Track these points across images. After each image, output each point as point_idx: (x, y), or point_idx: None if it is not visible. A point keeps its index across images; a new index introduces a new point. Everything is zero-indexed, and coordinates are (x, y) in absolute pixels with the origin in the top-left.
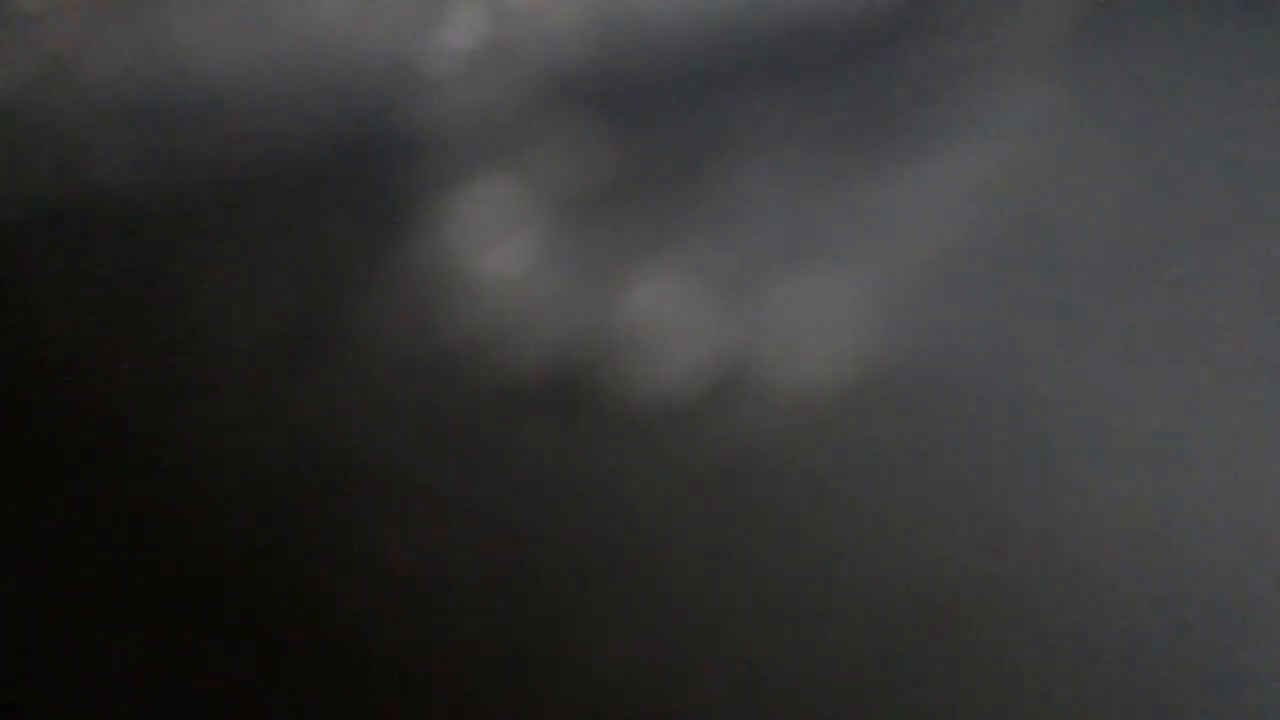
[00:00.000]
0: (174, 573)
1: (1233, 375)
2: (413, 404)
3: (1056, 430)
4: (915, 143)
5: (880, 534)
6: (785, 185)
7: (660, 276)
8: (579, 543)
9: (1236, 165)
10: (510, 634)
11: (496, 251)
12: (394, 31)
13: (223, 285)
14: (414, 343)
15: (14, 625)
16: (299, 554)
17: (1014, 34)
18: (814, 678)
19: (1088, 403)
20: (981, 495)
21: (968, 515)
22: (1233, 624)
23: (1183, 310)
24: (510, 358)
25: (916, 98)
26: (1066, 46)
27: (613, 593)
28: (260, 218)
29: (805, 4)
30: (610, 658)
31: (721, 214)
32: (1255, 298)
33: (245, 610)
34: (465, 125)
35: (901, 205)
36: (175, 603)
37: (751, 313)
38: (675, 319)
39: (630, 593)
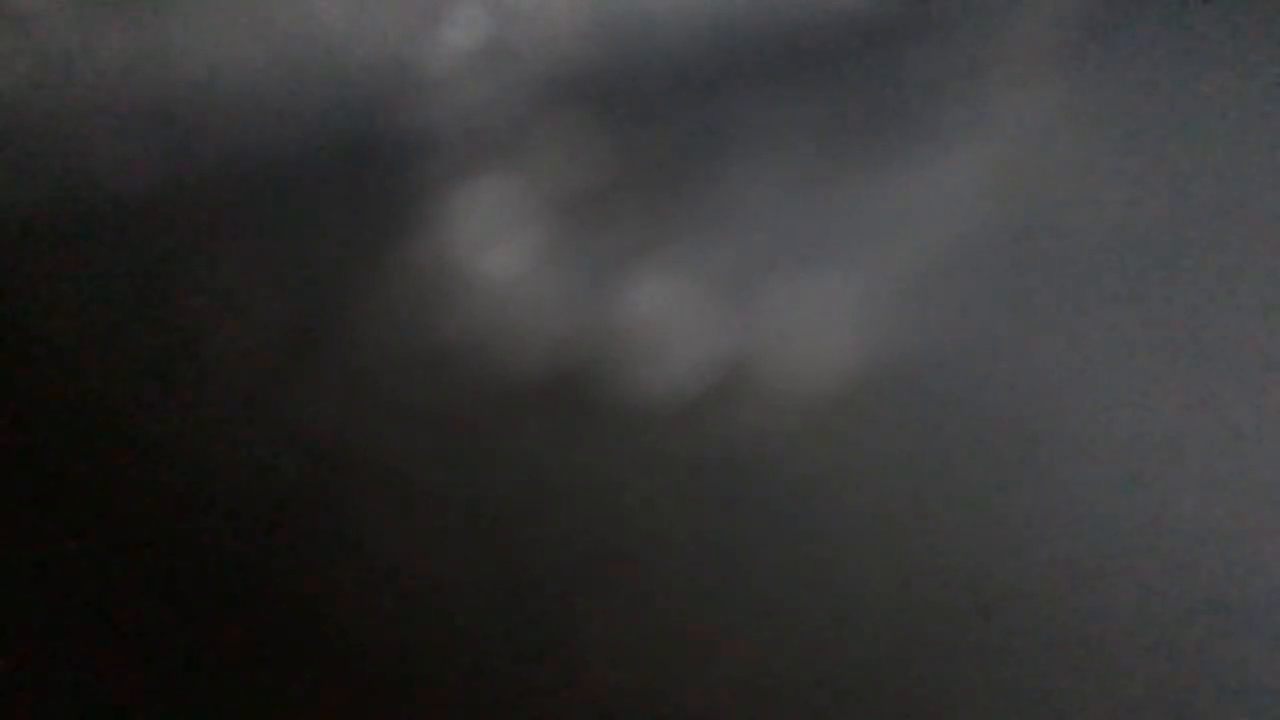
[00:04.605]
0: (173, 572)
1: (1233, 375)
2: (413, 404)
3: (1056, 430)
4: (915, 143)
5: (879, 534)
6: (785, 185)
7: (660, 276)
8: (578, 542)
9: (1236, 166)
10: (510, 634)
11: (496, 251)
12: (394, 31)
13: (223, 285)
14: (414, 343)
15: (14, 624)
16: (298, 553)
17: (1014, 34)
18: (813, 678)
19: (1087, 403)
20: (981, 495)
21: (967, 515)
22: (1233, 624)
23: (1182, 310)
24: (510, 358)
25: (917, 98)
26: (1067, 46)
27: (612, 592)
28: (260, 217)
29: (806, 4)
30: (609, 657)
31: (721, 214)
32: (1255, 298)
33: (244, 609)
34: (465, 125)
35: (901, 205)
36: (175, 602)
37: (751, 313)
38: (675, 319)
39: (629, 592)
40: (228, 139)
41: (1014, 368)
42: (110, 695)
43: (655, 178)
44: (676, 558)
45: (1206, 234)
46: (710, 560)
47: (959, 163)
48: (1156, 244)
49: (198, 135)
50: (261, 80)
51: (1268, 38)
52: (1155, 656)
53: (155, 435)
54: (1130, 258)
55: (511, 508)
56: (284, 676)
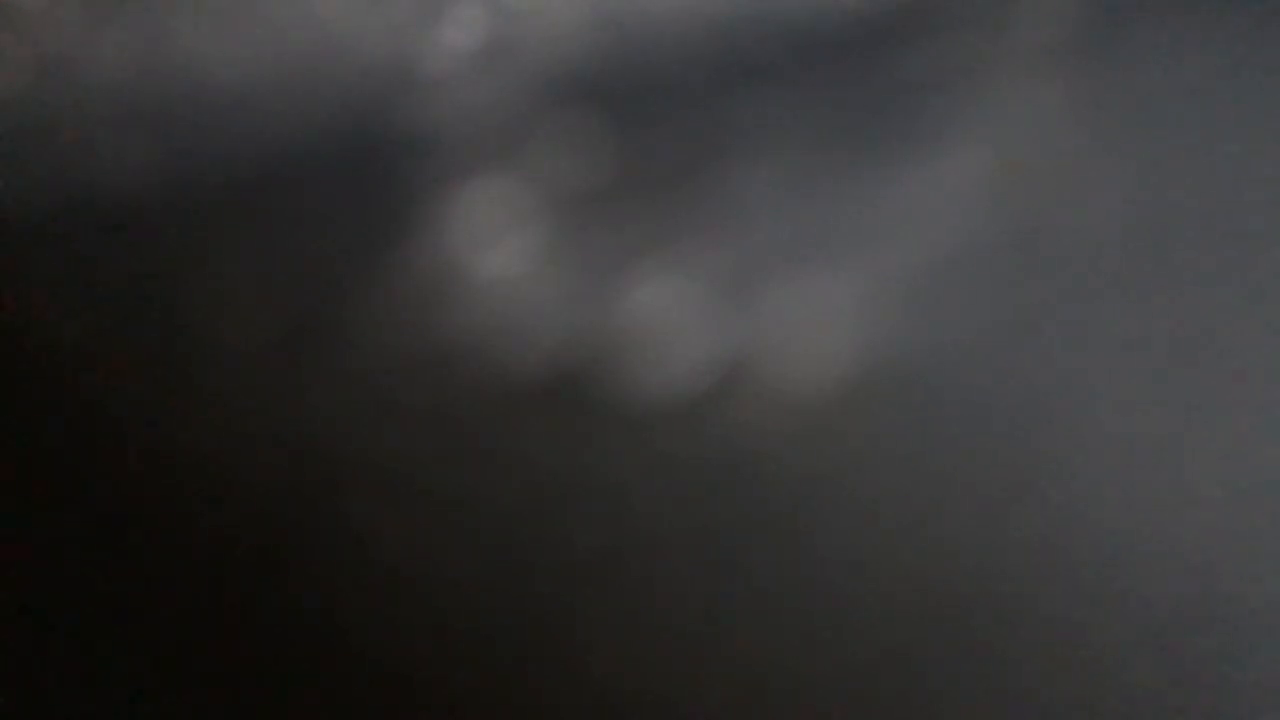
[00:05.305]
0: (174, 572)
1: (1232, 376)
2: (413, 404)
3: (1055, 430)
4: (915, 143)
5: (879, 533)
6: (785, 185)
7: (660, 276)
8: (578, 542)
9: (1236, 166)
10: (510, 634)
11: (496, 251)
12: (394, 31)
13: (223, 285)
14: (414, 343)
15: (14, 624)
16: (298, 553)
17: (1014, 34)
18: (813, 676)
19: (1087, 403)
20: (980, 494)
21: (967, 515)
22: (1233, 624)
23: (1182, 311)
24: (510, 358)
25: (916, 98)
26: (1066, 46)
27: (612, 592)
28: (260, 217)
29: (805, 4)
30: (609, 657)
31: (721, 214)
32: (1255, 298)
33: (244, 609)
34: (465, 125)
35: (901, 205)
36: (175, 601)
37: (751, 313)
38: (675, 319)
39: (630, 592)
40: (228, 139)
41: (1014, 367)
42: (109, 694)
43: (655, 178)
44: (676, 558)
45: (1207, 233)
46: (710, 558)
47: (959, 162)
48: (1156, 243)
49: (198, 135)
50: (261, 80)
51: (1268, 37)
52: (1154, 655)
53: (155, 435)
54: (1130, 257)
55: (511, 508)
56: (284, 675)
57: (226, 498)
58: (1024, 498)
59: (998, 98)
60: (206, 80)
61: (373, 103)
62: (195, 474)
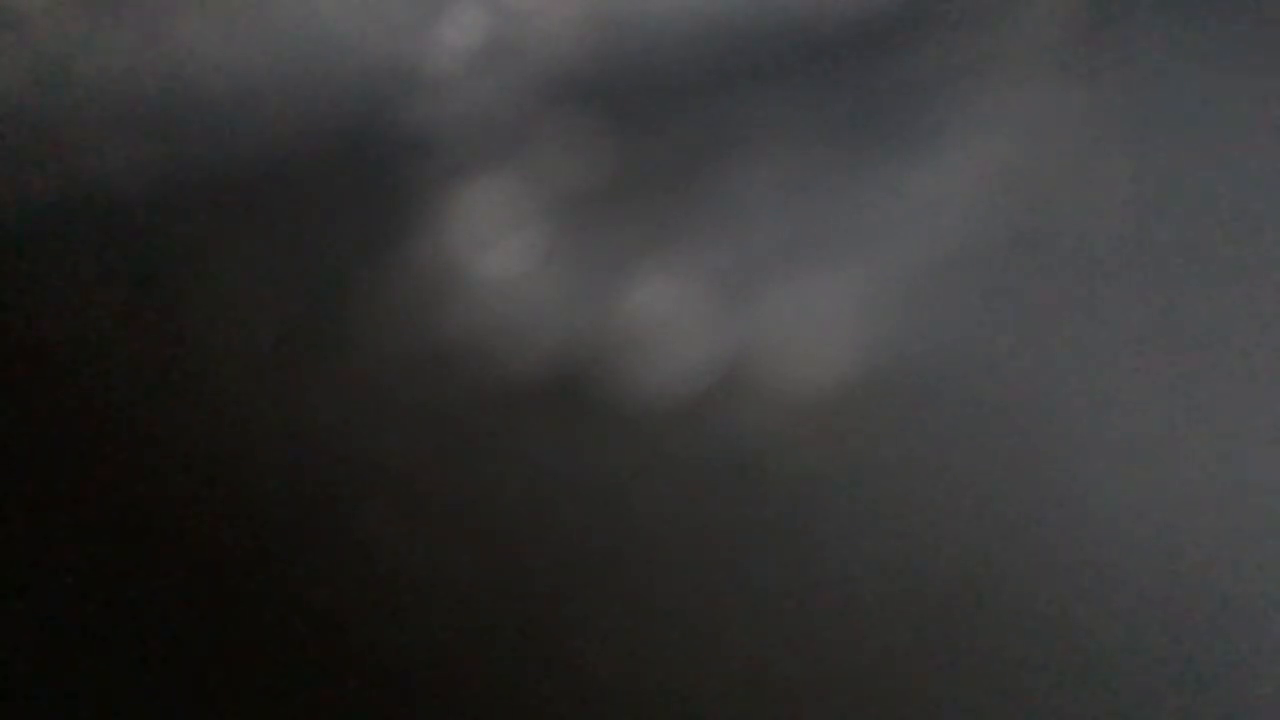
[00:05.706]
0: (174, 572)
1: (1232, 376)
2: (413, 404)
3: (1056, 431)
4: (915, 143)
5: (879, 533)
6: (785, 185)
7: (660, 276)
8: (579, 542)
9: (1237, 165)
10: (510, 634)
11: (496, 251)
12: (394, 31)
13: (223, 285)
14: (414, 343)
15: (14, 624)
16: (298, 553)
17: (1014, 34)
18: (813, 676)
19: (1088, 403)
20: (981, 495)
21: (967, 515)
22: (1233, 624)
23: (1183, 311)
24: (510, 358)
25: (916, 98)
26: (1066, 46)
27: (612, 592)
28: (260, 217)
29: (805, 4)
30: (609, 658)
31: (721, 214)
32: (1256, 299)
33: (244, 609)
34: (465, 125)
35: (901, 205)
36: (175, 602)
37: (751, 313)
38: (675, 319)
39: (629, 592)
40: (228, 139)
41: (1014, 368)
42: (109, 695)
43: (655, 178)
44: (676, 558)
45: (1206, 233)
46: (710, 559)
47: (959, 163)
48: (1156, 244)
49: (198, 135)
50: (261, 80)
51: (1268, 37)
52: (1155, 656)
53: (155, 436)
54: (1130, 258)
55: (511, 508)
56: (284, 676)
57: (226, 498)
58: (1024, 498)
59: (998, 98)
60: (206, 80)
61: (373, 103)
62: (195, 474)
